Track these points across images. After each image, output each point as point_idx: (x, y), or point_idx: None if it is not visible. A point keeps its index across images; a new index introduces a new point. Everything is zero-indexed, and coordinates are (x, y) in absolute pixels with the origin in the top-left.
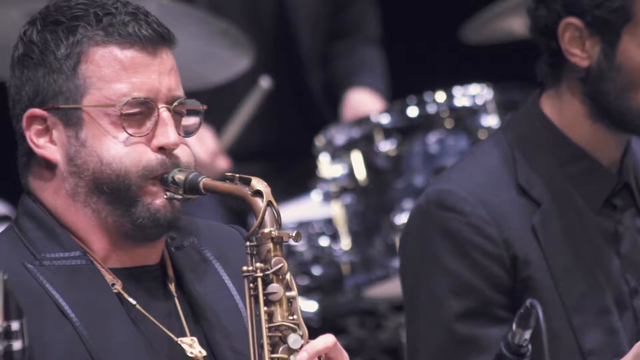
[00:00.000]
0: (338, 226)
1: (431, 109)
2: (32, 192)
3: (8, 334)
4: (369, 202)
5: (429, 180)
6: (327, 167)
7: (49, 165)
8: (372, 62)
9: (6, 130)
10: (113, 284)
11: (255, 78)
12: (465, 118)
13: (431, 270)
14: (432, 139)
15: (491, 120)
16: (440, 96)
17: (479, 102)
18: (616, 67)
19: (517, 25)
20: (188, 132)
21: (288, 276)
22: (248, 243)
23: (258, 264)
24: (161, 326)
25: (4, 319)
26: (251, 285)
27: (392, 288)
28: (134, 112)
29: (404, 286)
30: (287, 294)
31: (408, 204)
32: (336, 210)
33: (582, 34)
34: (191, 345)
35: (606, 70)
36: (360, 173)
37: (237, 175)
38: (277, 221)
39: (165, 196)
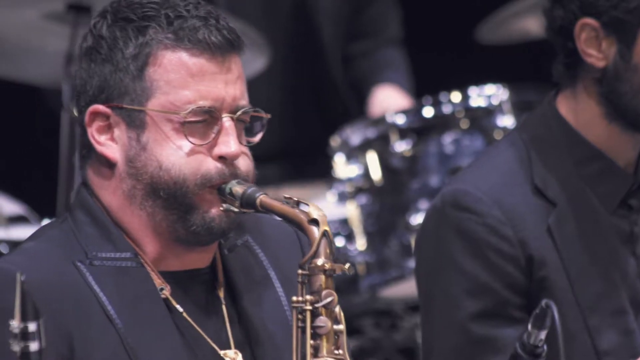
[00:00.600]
0: (353, 226)
1: (447, 109)
2: (90, 185)
3: (25, 335)
4: (384, 203)
5: (445, 181)
6: (343, 168)
7: (108, 163)
8: (395, 60)
9: (20, 130)
10: (162, 289)
11: (273, 78)
12: (481, 118)
13: (446, 270)
14: (448, 139)
15: (507, 121)
16: (456, 96)
17: (495, 102)
18: (632, 67)
19: (532, 25)
20: (250, 141)
21: (337, 309)
22: (300, 271)
23: (308, 297)
24: (206, 337)
25: (21, 320)
26: (299, 316)
27: (407, 288)
28: (197, 120)
29: (419, 286)
30: (335, 327)
31: (423, 204)
32: (351, 211)
33: (599, 35)
34: (234, 359)
35: (622, 71)
36: (376, 173)
37: (296, 198)
38: (331, 252)
39: (221, 207)
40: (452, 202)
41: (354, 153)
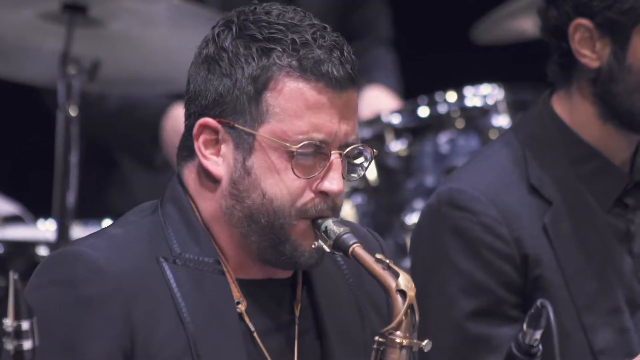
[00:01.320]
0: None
1: (442, 109)
2: (185, 186)
3: (18, 334)
4: (380, 202)
5: (440, 180)
6: None
7: (210, 177)
8: (384, 61)
9: (16, 130)
10: (238, 302)
11: None
12: (476, 118)
13: (442, 269)
14: (443, 139)
15: (502, 120)
16: (451, 96)
17: (490, 102)
18: (626, 68)
19: (528, 25)
20: (352, 175)
21: None
22: (377, 338)
23: None
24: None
25: (15, 318)
26: None
27: None
28: (306, 153)
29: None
30: None
31: (419, 204)
32: (347, 210)
33: (593, 35)
34: None
35: (616, 72)
36: (371, 173)
37: (390, 262)
38: (412, 327)
39: (314, 245)
40: (447, 201)
41: None
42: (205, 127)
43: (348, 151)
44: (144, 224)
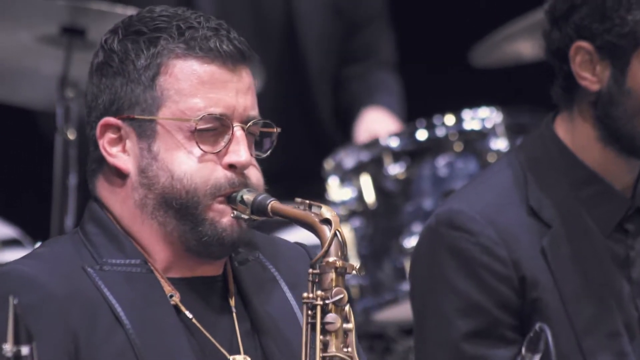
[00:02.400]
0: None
1: (440, 132)
2: (100, 198)
3: (18, 359)
4: (378, 226)
5: (438, 204)
6: (336, 190)
7: (120, 174)
8: (387, 84)
9: (14, 153)
10: (171, 295)
11: (264, 101)
12: (475, 141)
13: (439, 289)
14: (442, 162)
15: (500, 144)
16: (450, 119)
17: (488, 125)
18: (626, 92)
19: (525, 48)
20: (259, 155)
21: (347, 308)
22: (311, 270)
23: (319, 292)
24: (215, 342)
25: (14, 343)
26: (310, 312)
27: (401, 312)
28: (208, 128)
29: (413, 305)
30: (344, 325)
31: (417, 227)
32: (345, 234)
33: (593, 58)
34: None
35: (616, 95)
36: (369, 196)
37: (307, 201)
38: (343, 251)
39: (232, 215)
40: (446, 221)
41: (348, 176)
42: (107, 126)
43: (250, 125)
44: (66, 242)
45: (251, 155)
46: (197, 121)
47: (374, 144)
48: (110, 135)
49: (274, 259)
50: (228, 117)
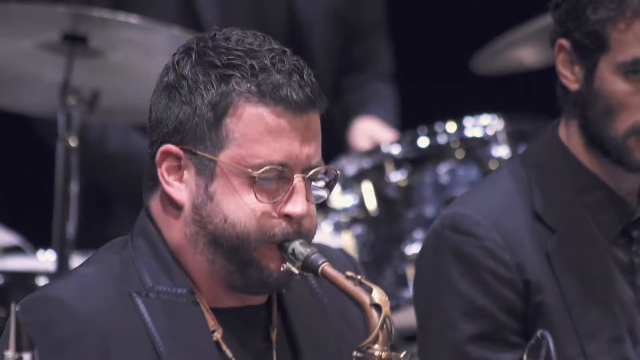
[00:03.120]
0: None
1: (442, 139)
2: (152, 216)
3: None
4: (380, 233)
5: (440, 211)
6: (338, 197)
7: (174, 203)
8: (383, 96)
9: (15, 160)
10: (213, 331)
11: None
12: (476, 148)
13: (444, 292)
14: (443, 169)
15: (502, 151)
16: (451, 127)
17: (490, 132)
18: (594, 93)
19: (527, 55)
20: (318, 198)
21: None
22: (355, 353)
23: None
24: None
25: (16, 350)
26: None
27: (402, 318)
28: (268, 178)
29: (416, 308)
30: None
31: (418, 234)
32: (346, 241)
33: (572, 57)
34: None
35: (587, 96)
36: (371, 203)
37: (360, 277)
38: (389, 340)
39: (282, 268)
40: (450, 225)
41: (349, 183)
42: (167, 154)
43: (311, 174)
44: (113, 261)
45: (309, 201)
46: (259, 173)
47: (375, 151)
48: (170, 163)
49: (325, 291)
50: (290, 168)
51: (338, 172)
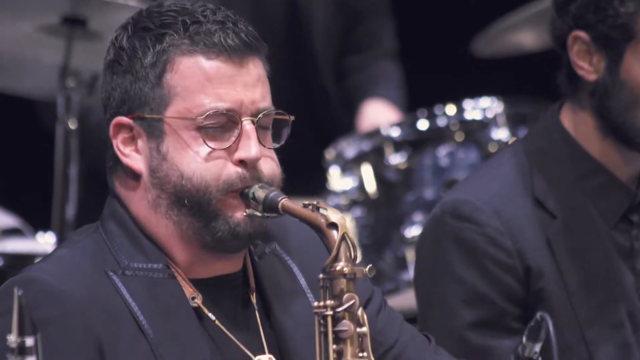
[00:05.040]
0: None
1: (441, 122)
2: (119, 196)
3: (22, 350)
4: (379, 215)
5: (440, 193)
6: (337, 180)
7: (133, 174)
8: (388, 75)
9: (15, 142)
10: (193, 298)
11: None
12: (476, 131)
13: (444, 279)
14: (443, 152)
15: (501, 133)
16: (451, 109)
17: (490, 115)
18: (620, 83)
19: (527, 38)
20: (275, 142)
21: (359, 312)
22: (321, 276)
23: (329, 302)
24: (239, 344)
25: (19, 334)
26: (321, 321)
27: (402, 301)
28: (215, 125)
29: (417, 295)
30: (358, 330)
31: (418, 217)
32: (347, 224)
33: (590, 48)
34: None
35: (611, 86)
36: (371, 186)
37: (316, 202)
38: (352, 256)
39: (245, 213)
40: (451, 211)
41: (349, 166)
42: (119, 126)
43: (260, 118)
44: (88, 244)
45: (266, 147)
46: (203, 119)
47: (375, 133)
48: (123, 135)
49: (289, 249)
50: (236, 112)
51: (291, 117)
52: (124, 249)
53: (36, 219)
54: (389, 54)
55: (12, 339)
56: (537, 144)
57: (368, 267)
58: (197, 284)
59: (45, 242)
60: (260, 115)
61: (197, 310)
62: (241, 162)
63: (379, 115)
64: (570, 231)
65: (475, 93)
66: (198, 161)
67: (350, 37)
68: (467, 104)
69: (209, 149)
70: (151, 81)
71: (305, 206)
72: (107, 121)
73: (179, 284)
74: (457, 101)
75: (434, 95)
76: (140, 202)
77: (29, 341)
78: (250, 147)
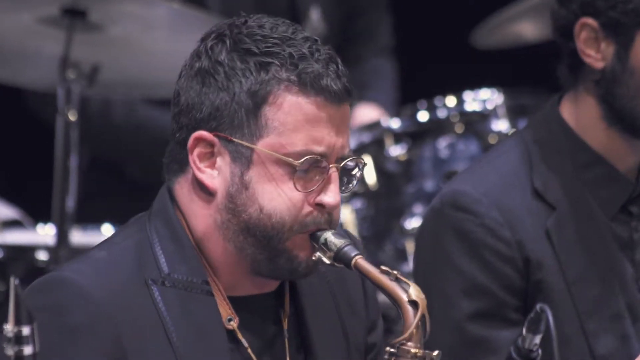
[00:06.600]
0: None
1: (441, 113)
2: (175, 199)
3: (19, 339)
4: (379, 207)
5: (440, 185)
6: None
7: (204, 189)
8: (381, 74)
9: (15, 134)
10: (229, 320)
11: None
12: (476, 123)
13: (444, 270)
14: (443, 143)
15: (501, 125)
16: (451, 101)
17: (490, 106)
18: (629, 70)
19: (527, 30)
20: (348, 188)
21: None
22: (388, 349)
23: None
24: None
25: (15, 324)
26: None
27: None
28: (306, 168)
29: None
30: None
31: (418, 208)
32: (346, 215)
33: (598, 35)
34: None
35: (619, 73)
36: (371, 177)
37: (395, 272)
38: (424, 338)
39: (313, 257)
40: (450, 203)
41: None
42: (200, 140)
43: (344, 164)
44: (129, 245)
45: (340, 191)
46: (300, 163)
47: (375, 125)
48: (202, 149)
49: (329, 270)
50: (327, 158)
51: (365, 162)
52: (167, 254)
53: (36, 210)
54: (384, 50)
55: (9, 328)
56: (536, 136)
57: (436, 352)
58: (236, 301)
59: (45, 233)
60: (344, 162)
61: (232, 332)
62: (318, 205)
63: (364, 117)
64: (569, 222)
65: (475, 84)
66: (280, 200)
67: (347, 31)
68: (467, 95)
69: (294, 190)
70: (248, 107)
71: (382, 272)
72: (181, 127)
73: (216, 303)
74: (457, 93)
75: (434, 87)
76: (204, 219)
77: (26, 330)
78: (333, 193)
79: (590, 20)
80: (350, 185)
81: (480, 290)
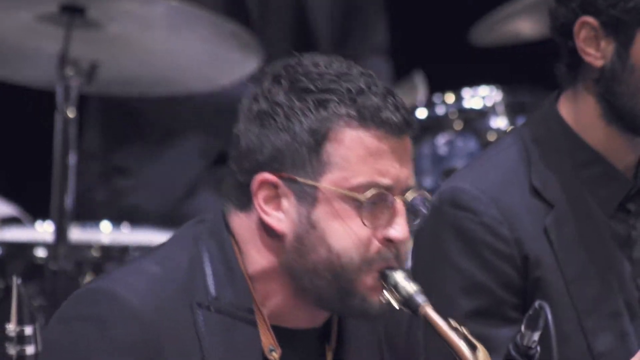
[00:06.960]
0: None
1: (440, 110)
2: (231, 230)
3: (21, 339)
4: None
5: (438, 182)
6: None
7: (273, 233)
8: (377, 73)
9: (13, 131)
10: (271, 350)
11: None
12: (475, 120)
13: (442, 268)
14: (441, 140)
15: (500, 122)
16: (450, 98)
17: (488, 103)
18: (629, 68)
19: (525, 27)
20: (413, 223)
21: None
22: None
23: None
24: None
25: (18, 323)
26: None
27: None
28: (373, 202)
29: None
30: None
31: None
32: None
33: (598, 34)
34: None
35: (619, 72)
36: None
37: (463, 329)
38: None
39: (382, 300)
40: (449, 200)
41: None
42: (264, 182)
43: (409, 196)
44: (182, 261)
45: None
46: (366, 198)
47: None
48: (267, 191)
49: None
50: (392, 190)
51: (429, 195)
52: (216, 275)
53: (35, 208)
54: (380, 49)
55: (11, 327)
56: (535, 134)
57: None
58: (279, 332)
59: (43, 230)
60: (408, 194)
61: None
62: (386, 240)
63: None
64: (567, 220)
65: (474, 82)
66: (351, 238)
67: (344, 30)
68: (466, 92)
69: (361, 226)
70: (310, 146)
71: (451, 327)
72: (244, 169)
73: (258, 333)
74: (456, 90)
75: (433, 84)
76: (269, 260)
77: (28, 330)
78: (401, 227)
79: (590, 19)
80: (417, 221)
81: (479, 288)
